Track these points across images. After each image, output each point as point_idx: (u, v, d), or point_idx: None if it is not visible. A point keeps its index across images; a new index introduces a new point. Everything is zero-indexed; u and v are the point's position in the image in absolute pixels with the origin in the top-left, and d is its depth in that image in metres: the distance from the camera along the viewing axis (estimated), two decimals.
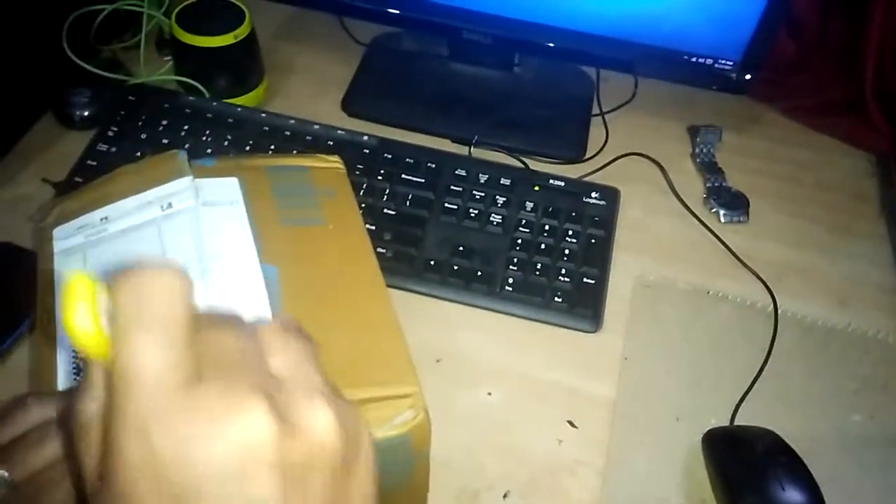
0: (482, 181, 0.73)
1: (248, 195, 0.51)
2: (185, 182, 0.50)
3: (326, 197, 0.52)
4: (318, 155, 0.56)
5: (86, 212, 0.50)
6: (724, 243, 0.73)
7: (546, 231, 0.70)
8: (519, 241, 0.69)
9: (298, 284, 0.46)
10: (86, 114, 0.76)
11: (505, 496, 0.57)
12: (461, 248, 0.68)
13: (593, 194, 0.73)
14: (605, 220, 0.72)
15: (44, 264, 0.49)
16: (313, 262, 0.48)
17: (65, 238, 0.49)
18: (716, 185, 0.78)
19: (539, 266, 0.68)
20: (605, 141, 0.81)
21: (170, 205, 0.49)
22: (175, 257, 0.46)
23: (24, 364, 0.59)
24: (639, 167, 0.79)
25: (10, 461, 0.33)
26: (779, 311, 0.68)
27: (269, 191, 0.52)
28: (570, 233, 0.70)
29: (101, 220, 0.49)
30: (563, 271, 0.68)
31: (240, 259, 0.47)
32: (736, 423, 0.61)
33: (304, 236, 0.49)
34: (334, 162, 0.56)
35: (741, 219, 0.75)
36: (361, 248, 0.49)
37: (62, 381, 0.44)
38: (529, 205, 0.71)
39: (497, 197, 0.72)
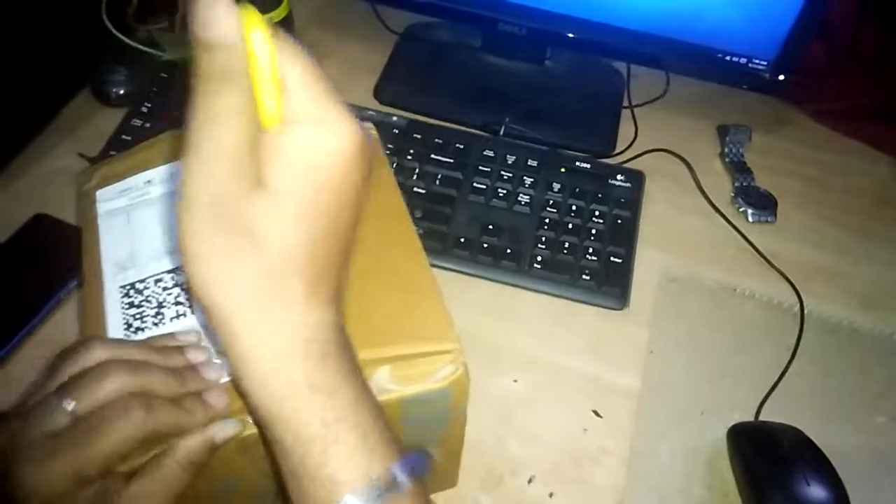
0: (510, 162, 0.74)
1: None
2: None
3: None
4: None
5: (129, 175, 0.51)
6: (750, 242, 0.73)
7: (573, 211, 0.71)
8: (546, 220, 0.70)
9: None
10: (122, 91, 0.77)
11: (529, 481, 0.57)
12: (490, 227, 0.69)
13: (619, 177, 0.74)
14: (631, 201, 0.73)
15: (88, 226, 0.50)
16: None
17: (108, 200, 0.50)
18: (744, 184, 0.78)
19: (566, 245, 0.69)
20: (635, 137, 0.82)
21: None
22: None
23: (61, 330, 0.60)
24: (667, 164, 0.80)
25: (74, 392, 0.35)
26: (805, 312, 0.68)
27: None
28: (597, 213, 0.71)
29: (145, 182, 0.50)
30: (591, 250, 0.69)
31: None
32: (760, 419, 0.62)
33: None
34: (367, 127, 0.56)
35: (769, 219, 0.76)
36: (396, 208, 0.49)
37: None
38: (556, 186, 0.73)
39: (524, 177, 0.73)
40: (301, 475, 0.31)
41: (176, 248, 0.30)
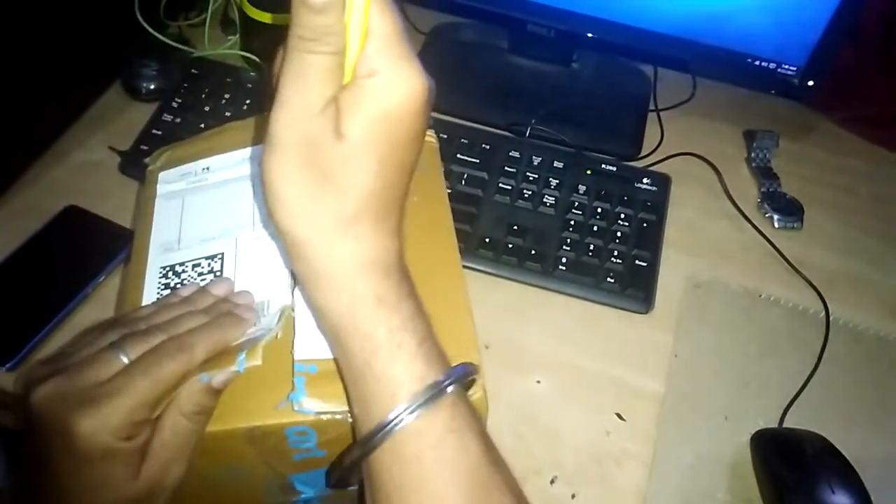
0: (535, 163, 0.74)
1: None
2: None
3: (416, 170, 0.53)
4: None
5: (191, 160, 0.52)
6: (776, 248, 0.73)
7: (598, 214, 0.71)
8: (572, 222, 0.70)
9: None
10: (152, 86, 0.78)
11: (552, 482, 0.57)
12: (515, 228, 0.69)
13: (645, 180, 0.74)
14: (657, 204, 0.73)
15: (146, 205, 0.51)
16: None
17: (168, 182, 0.51)
18: (770, 190, 0.77)
19: (591, 247, 0.69)
20: (661, 140, 0.81)
21: None
22: (264, 214, 0.48)
23: (90, 322, 0.61)
24: (693, 168, 0.80)
25: (126, 347, 0.38)
26: (830, 319, 0.68)
27: None
28: (622, 216, 0.71)
29: (203, 169, 0.51)
30: (616, 253, 0.69)
31: None
32: (784, 426, 0.61)
33: None
34: (428, 136, 0.56)
35: (795, 225, 0.75)
36: (443, 224, 0.49)
37: None
38: (582, 188, 0.73)
39: (550, 179, 0.73)
40: (367, 377, 0.34)
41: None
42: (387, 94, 0.33)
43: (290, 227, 0.35)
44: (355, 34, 0.32)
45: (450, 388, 0.34)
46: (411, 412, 0.33)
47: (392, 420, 0.33)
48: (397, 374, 0.34)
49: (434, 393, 0.34)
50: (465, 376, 0.36)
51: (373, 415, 0.34)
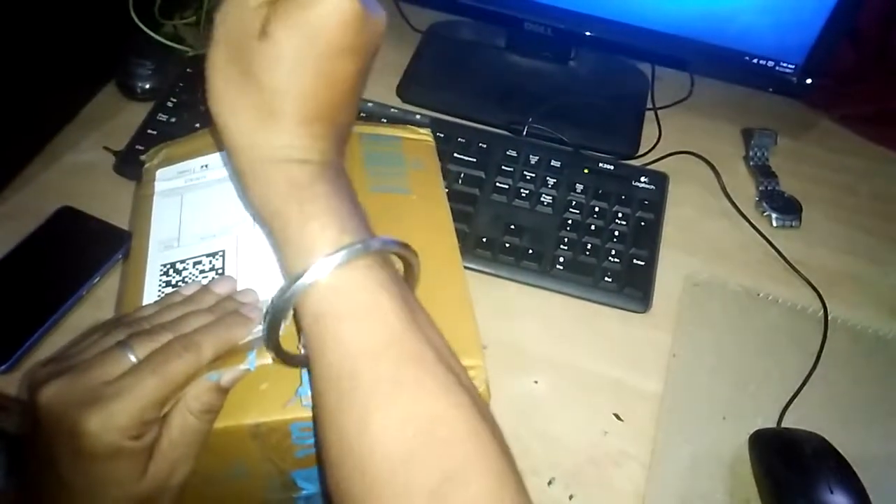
0: (532, 162, 0.74)
1: None
2: None
3: (414, 168, 0.53)
4: (410, 126, 0.57)
5: (189, 157, 0.52)
6: (775, 247, 0.73)
7: (596, 213, 0.71)
8: (569, 221, 0.70)
9: None
10: (147, 86, 0.77)
11: (550, 483, 0.57)
12: (512, 227, 0.69)
13: (642, 178, 0.74)
14: (655, 203, 0.73)
15: (144, 202, 0.51)
16: (395, 229, 0.48)
17: (166, 180, 0.51)
18: (769, 188, 0.77)
19: (589, 246, 0.68)
20: (658, 139, 0.81)
21: None
22: None
23: (86, 324, 0.60)
24: (691, 167, 0.79)
25: (135, 346, 0.38)
26: (829, 318, 0.68)
27: (361, 156, 0.53)
28: (620, 215, 0.71)
29: (202, 167, 0.51)
30: (613, 252, 0.68)
31: None
32: (783, 425, 0.61)
33: (389, 203, 0.50)
34: (425, 135, 0.57)
35: (793, 224, 0.75)
36: (442, 221, 0.49)
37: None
38: (579, 187, 0.72)
39: (547, 178, 0.73)
40: (285, 249, 0.38)
41: None
42: (314, 8, 0.36)
43: (218, 116, 0.38)
44: None
45: (363, 253, 0.36)
46: (321, 270, 0.35)
47: (302, 276, 0.36)
48: (308, 242, 0.36)
49: (345, 254, 0.36)
50: (383, 244, 0.38)
51: (290, 275, 0.37)
